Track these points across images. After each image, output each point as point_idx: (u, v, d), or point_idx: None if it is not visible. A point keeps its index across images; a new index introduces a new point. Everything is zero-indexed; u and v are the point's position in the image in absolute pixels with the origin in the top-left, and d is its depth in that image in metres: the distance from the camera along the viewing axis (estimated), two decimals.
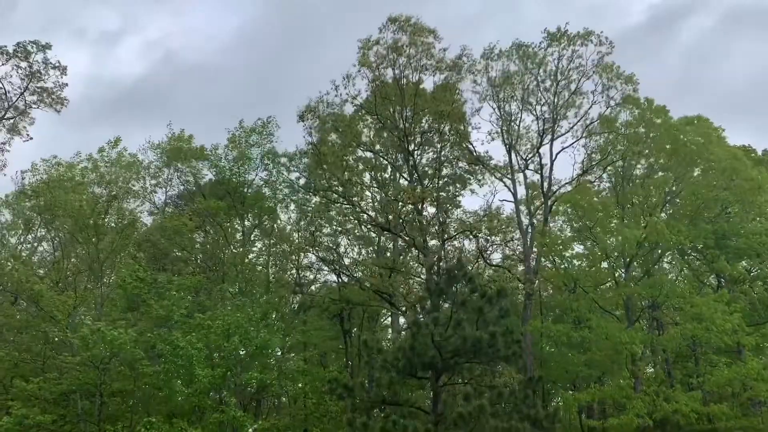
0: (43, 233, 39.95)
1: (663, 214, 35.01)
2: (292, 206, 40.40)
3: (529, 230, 34.52)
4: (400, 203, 30.71)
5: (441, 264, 28.15)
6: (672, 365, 31.74)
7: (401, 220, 31.31)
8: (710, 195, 33.35)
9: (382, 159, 35.28)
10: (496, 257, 35.85)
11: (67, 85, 31.27)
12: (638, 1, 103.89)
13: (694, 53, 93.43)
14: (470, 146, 34.68)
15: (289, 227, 40.86)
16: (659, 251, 33.07)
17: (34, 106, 31.32)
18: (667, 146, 33.41)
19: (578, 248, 37.19)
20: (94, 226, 31.67)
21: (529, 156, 35.30)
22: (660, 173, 34.84)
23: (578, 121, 34.41)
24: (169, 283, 29.31)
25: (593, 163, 34.87)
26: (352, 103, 32.71)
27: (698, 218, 34.10)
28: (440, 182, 34.38)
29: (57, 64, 30.85)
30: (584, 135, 34.63)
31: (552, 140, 34.43)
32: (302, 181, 37.49)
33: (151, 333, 27.24)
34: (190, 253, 37.93)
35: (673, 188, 34.04)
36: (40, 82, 31.03)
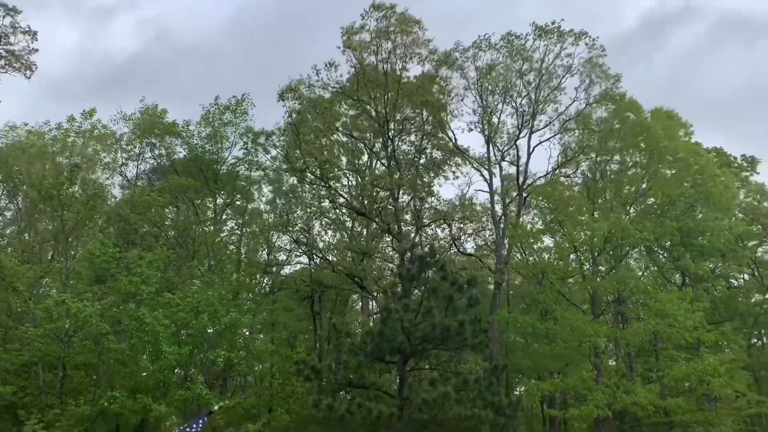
0: (7, 203, 39.02)
1: (633, 210, 35.66)
2: (266, 189, 40.15)
3: (502, 221, 34.83)
4: (376, 189, 30.72)
5: (414, 251, 28.23)
6: (634, 359, 32.44)
7: (376, 206, 31.33)
8: (676, 192, 34.01)
9: (359, 144, 35.24)
10: (469, 246, 36.16)
11: (37, 50, 30.48)
12: (632, 6, 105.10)
13: (684, 59, 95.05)
14: (450, 134, 34.85)
15: (262, 207, 40.65)
16: (626, 247, 33.67)
17: (1, 69, 30.51)
18: (641, 142, 33.88)
19: (548, 241, 37.73)
20: (58, 196, 31.02)
21: (507, 148, 35.57)
22: (633, 170, 35.38)
23: (557, 116, 34.74)
24: (139, 258, 28.96)
25: (568, 158, 35.21)
26: (333, 88, 32.66)
27: (665, 215, 34.77)
28: (417, 170, 34.43)
29: (27, 29, 30.07)
30: (561, 130, 34.93)
31: (530, 134, 34.73)
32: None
33: (118, 308, 26.93)
34: (160, 229, 37.50)
35: (643, 185, 34.61)
36: (8, 45, 30.22)
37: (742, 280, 41.68)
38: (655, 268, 37.60)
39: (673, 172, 34.97)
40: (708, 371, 27.93)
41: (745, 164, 41.77)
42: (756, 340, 41.57)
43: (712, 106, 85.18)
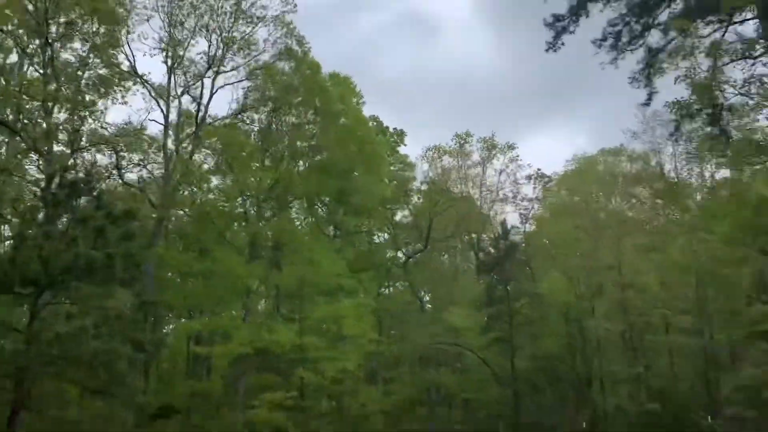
0: None
1: (302, 164, 38.01)
2: None
3: (173, 156, 33.72)
4: (25, 97, 26.72)
5: (66, 174, 25.51)
6: (282, 301, 34.90)
7: (22, 117, 27.30)
8: (341, 153, 37.29)
9: (8, 39, 29.86)
10: (133, 177, 34.13)
11: None
12: None
13: (369, 41, 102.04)
14: (128, 53, 32.15)
15: None
16: (290, 197, 35.83)
17: None
18: (317, 102, 36.08)
19: (217, 182, 37.93)
20: None
21: (191, 83, 34.42)
22: (307, 126, 37.59)
23: (246, 62, 34.81)
24: None
25: (249, 105, 35.73)
26: None
27: (329, 173, 37.86)
28: (81, 84, 30.78)
29: None
30: (246, 77, 35.21)
31: (216, 74, 34.16)
32: None
33: None
34: None
35: (313, 142, 37.10)
36: None
37: (383, 238, 48.09)
38: (313, 219, 40.80)
39: (341, 134, 38.16)
40: (342, 313, 31.67)
41: (396, 136, 47.87)
42: (384, 289, 48.47)
43: (386, 87, 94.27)
